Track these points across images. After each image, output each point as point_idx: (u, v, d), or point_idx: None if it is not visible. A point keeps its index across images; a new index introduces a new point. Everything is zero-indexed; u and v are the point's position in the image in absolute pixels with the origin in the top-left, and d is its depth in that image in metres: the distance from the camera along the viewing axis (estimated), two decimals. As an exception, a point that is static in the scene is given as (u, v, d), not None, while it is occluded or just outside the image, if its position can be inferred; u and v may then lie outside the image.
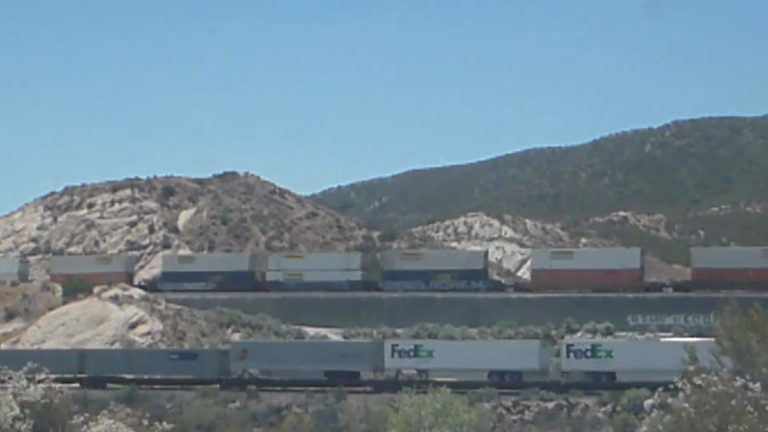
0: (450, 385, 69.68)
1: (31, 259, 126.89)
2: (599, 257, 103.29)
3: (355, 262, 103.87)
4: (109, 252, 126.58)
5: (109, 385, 78.26)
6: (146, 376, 79.24)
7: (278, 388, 76.26)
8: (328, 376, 75.35)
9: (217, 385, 77.06)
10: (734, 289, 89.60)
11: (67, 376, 78.28)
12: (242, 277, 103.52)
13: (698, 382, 23.16)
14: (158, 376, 78.94)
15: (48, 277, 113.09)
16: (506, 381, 73.13)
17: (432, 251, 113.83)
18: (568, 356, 73.46)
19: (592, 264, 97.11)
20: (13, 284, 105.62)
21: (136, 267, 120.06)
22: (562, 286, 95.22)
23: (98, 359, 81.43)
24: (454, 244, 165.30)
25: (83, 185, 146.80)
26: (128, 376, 79.38)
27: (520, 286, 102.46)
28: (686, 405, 23.20)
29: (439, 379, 70.29)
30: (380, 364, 76.08)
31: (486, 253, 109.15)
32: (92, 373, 79.78)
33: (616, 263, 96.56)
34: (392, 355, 75.61)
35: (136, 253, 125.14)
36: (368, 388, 75.03)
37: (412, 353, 75.39)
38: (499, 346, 78.88)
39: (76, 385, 78.12)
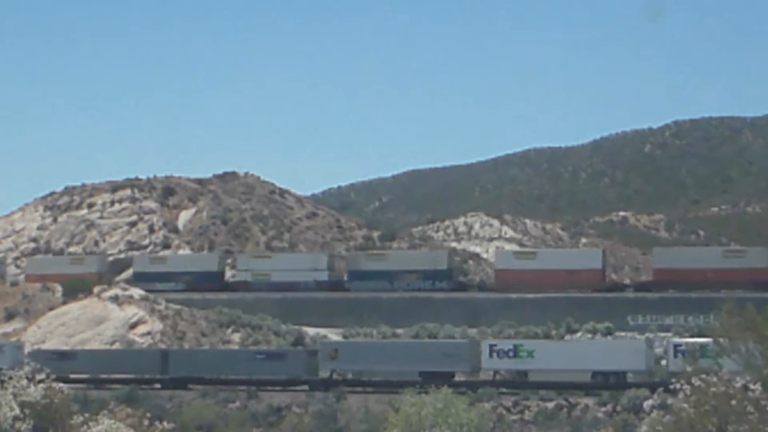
0: (552, 386, 70.01)
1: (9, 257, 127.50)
2: (562, 258, 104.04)
3: (322, 263, 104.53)
4: (109, 252, 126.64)
5: (107, 385, 78.17)
6: (231, 377, 77.24)
7: (370, 389, 74.52)
8: (423, 377, 72.87)
9: (306, 386, 75.09)
10: (694, 290, 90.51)
11: (147, 377, 78.95)
12: (211, 278, 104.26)
13: (697, 382, 23.19)
14: (243, 377, 76.75)
15: (23, 277, 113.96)
16: (610, 382, 71.00)
17: (397, 251, 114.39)
18: None
19: (555, 264, 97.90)
20: (13, 284, 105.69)
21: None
22: (526, 286, 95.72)
23: (181, 360, 79.56)
24: (454, 244, 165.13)
25: (83, 185, 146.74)
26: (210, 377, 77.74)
27: (483, 287, 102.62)
28: (686, 405, 23.22)
29: (539, 380, 70.23)
30: (477, 365, 74.41)
31: (449, 253, 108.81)
32: (175, 373, 77.98)
33: (578, 263, 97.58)
34: (490, 356, 73.72)
35: (136, 253, 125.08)
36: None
37: (511, 353, 73.42)
38: (603, 346, 76.94)
39: (158, 386, 77.72)
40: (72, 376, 78.06)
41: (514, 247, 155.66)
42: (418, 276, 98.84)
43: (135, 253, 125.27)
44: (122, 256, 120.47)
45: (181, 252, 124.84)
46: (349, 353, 76.97)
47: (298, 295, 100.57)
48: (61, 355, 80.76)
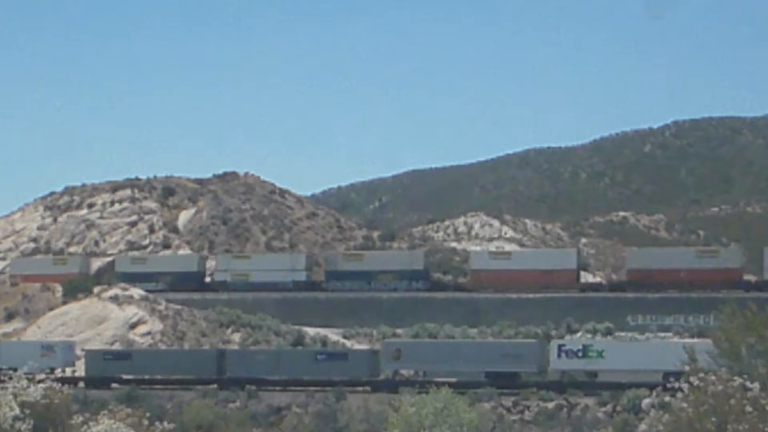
0: (625, 387, 68.76)
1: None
2: (537, 258, 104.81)
3: (300, 263, 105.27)
4: (109, 252, 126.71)
5: (112, 385, 78.04)
6: (290, 378, 75.89)
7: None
8: (488, 378, 72.44)
9: (368, 387, 73.90)
10: (667, 290, 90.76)
11: (203, 377, 77.49)
12: (191, 278, 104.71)
13: (696, 382, 23.20)
14: (303, 378, 75.29)
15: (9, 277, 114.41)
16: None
17: (374, 252, 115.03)
18: None
19: (530, 264, 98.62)
20: (13, 284, 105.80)
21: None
22: (501, 286, 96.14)
23: (238, 360, 78.44)
24: (454, 244, 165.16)
25: (83, 185, 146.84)
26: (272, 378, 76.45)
27: (460, 287, 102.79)
28: (685, 405, 23.23)
29: (609, 381, 69.43)
30: (545, 365, 73.12)
31: (425, 254, 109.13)
32: (233, 374, 76.86)
33: (553, 264, 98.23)
34: (558, 356, 72.41)
35: (136, 253, 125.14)
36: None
37: (580, 353, 72.05)
38: (677, 347, 76.25)
39: (214, 386, 75.90)
40: (125, 376, 78.74)
41: (515, 248, 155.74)
42: (395, 276, 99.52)
43: (135, 253, 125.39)
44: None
45: (181, 252, 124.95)
46: (412, 353, 75.71)
47: (298, 295, 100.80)
48: (116, 355, 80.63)
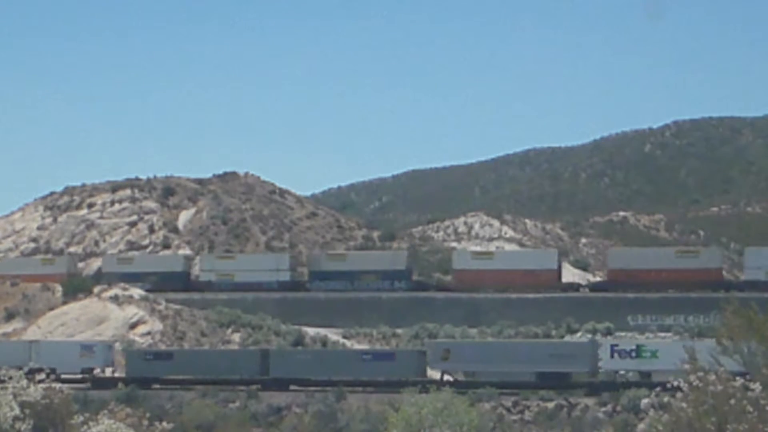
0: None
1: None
2: (519, 258, 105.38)
3: (284, 263, 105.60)
4: (109, 252, 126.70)
5: (109, 385, 77.96)
6: (335, 378, 74.32)
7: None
8: (539, 378, 71.59)
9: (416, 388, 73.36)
10: (648, 290, 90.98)
11: (246, 378, 76.01)
12: (177, 278, 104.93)
13: (696, 381, 23.18)
14: (348, 378, 73.99)
15: None
16: None
17: (357, 252, 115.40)
18: None
19: (513, 264, 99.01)
20: (13, 284, 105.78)
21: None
22: (484, 286, 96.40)
23: (282, 360, 77.16)
24: (454, 244, 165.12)
25: (83, 185, 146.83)
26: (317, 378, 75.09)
27: (442, 286, 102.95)
28: (684, 405, 23.21)
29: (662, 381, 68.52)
30: (596, 366, 72.01)
31: (407, 254, 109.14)
32: (276, 374, 75.60)
33: (534, 264, 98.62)
34: (611, 356, 71.20)
35: (136, 253, 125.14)
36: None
37: (633, 354, 71.00)
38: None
39: (258, 386, 74.46)
40: (167, 377, 77.50)
41: (515, 248, 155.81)
42: (377, 276, 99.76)
43: (135, 252, 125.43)
44: (122, 256, 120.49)
45: (181, 252, 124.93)
46: (461, 353, 74.80)
47: (298, 295, 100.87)
48: (156, 355, 79.75)
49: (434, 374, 75.16)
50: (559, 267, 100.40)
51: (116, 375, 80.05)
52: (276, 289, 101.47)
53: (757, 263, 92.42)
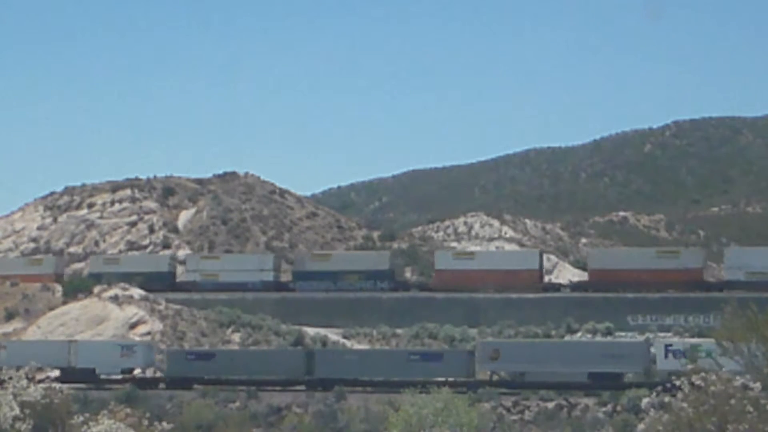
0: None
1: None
2: (500, 258, 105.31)
3: (268, 263, 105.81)
4: (110, 252, 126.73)
5: (108, 386, 77.87)
6: (382, 378, 73.12)
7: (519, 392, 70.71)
8: (591, 379, 70.52)
9: (465, 389, 70.12)
10: (628, 291, 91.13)
11: (290, 378, 74.42)
12: (162, 278, 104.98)
13: (697, 381, 23.18)
14: (395, 378, 72.14)
15: None
16: None
17: (341, 252, 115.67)
18: None
19: (493, 265, 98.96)
20: (13, 284, 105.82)
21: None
22: (465, 286, 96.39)
23: (327, 360, 75.87)
24: (454, 244, 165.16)
25: (83, 185, 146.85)
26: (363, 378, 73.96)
27: (424, 286, 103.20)
28: (685, 405, 23.20)
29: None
30: (650, 366, 70.80)
31: (390, 255, 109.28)
32: (321, 374, 74.34)
33: (515, 264, 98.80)
34: (665, 356, 69.82)
35: (136, 253, 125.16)
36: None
37: (688, 354, 68.12)
38: None
39: (302, 387, 73.33)
40: (208, 377, 76.19)
41: (515, 248, 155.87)
42: (361, 276, 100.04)
43: (135, 252, 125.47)
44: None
45: (182, 251, 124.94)
46: (511, 353, 73.46)
47: (297, 295, 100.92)
48: (198, 356, 78.65)
49: (482, 375, 73.89)
50: (541, 267, 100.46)
51: (157, 375, 78.90)
52: (260, 289, 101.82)
53: (736, 263, 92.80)
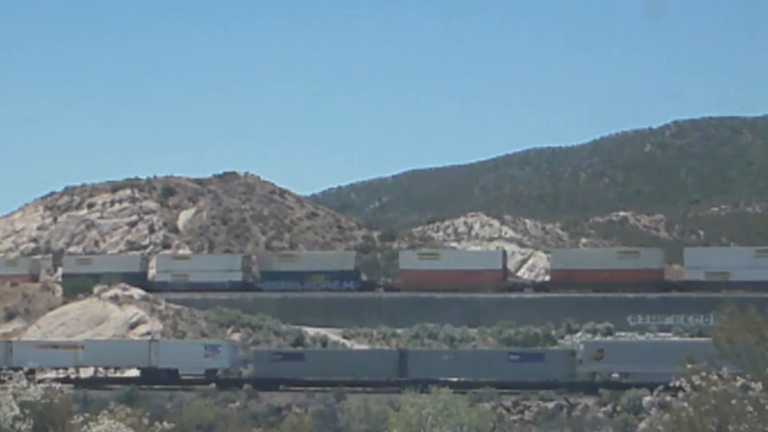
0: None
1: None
2: (464, 258, 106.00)
3: (236, 263, 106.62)
4: (109, 252, 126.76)
5: (109, 386, 77.74)
6: (480, 379, 70.99)
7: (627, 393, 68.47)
8: None
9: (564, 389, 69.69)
10: (589, 290, 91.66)
11: (382, 379, 72.92)
12: (134, 278, 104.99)
13: (698, 381, 23.14)
14: (493, 379, 70.74)
15: None
16: None
17: (308, 252, 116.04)
18: None
19: (458, 265, 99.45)
20: (13, 284, 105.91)
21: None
22: (430, 285, 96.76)
23: (422, 360, 74.13)
24: (454, 244, 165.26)
25: (83, 185, 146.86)
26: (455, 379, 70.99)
27: (390, 287, 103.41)
28: (685, 404, 23.17)
29: None
30: None
31: (355, 255, 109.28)
32: (415, 375, 72.04)
33: (479, 264, 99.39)
34: None
35: (136, 253, 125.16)
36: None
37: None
38: None
39: (395, 388, 70.80)
40: (296, 378, 73.95)
41: (515, 248, 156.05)
42: (327, 276, 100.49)
43: (135, 252, 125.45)
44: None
45: (181, 251, 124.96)
46: (616, 353, 71.94)
47: (297, 295, 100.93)
48: (286, 356, 77.31)
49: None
50: (504, 267, 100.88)
51: (242, 376, 77.35)
52: (228, 289, 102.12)
53: (696, 263, 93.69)
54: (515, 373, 70.77)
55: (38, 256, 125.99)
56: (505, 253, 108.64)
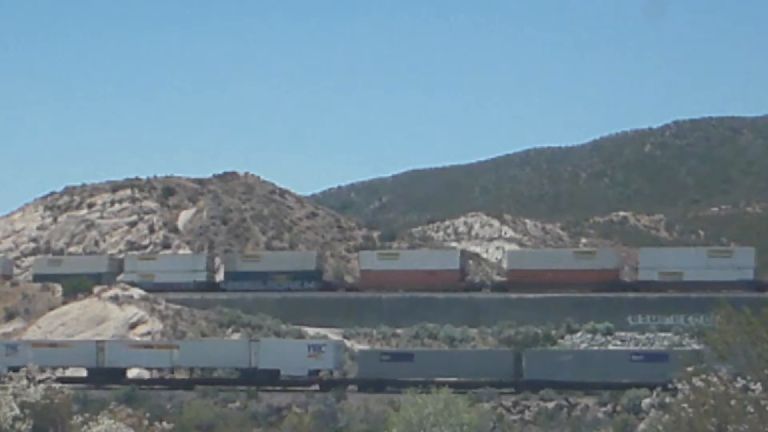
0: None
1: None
2: (422, 258, 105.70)
3: (201, 264, 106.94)
4: (109, 252, 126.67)
5: (111, 385, 77.68)
6: (600, 380, 69.09)
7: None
8: None
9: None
10: (546, 290, 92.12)
11: (495, 380, 70.95)
12: (103, 279, 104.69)
13: (698, 382, 23.17)
14: (613, 380, 68.58)
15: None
16: None
17: (270, 253, 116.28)
18: None
19: (416, 265, 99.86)
20: (14, 284, 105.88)
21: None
22: (389, 285, 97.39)
23: (538, 360, 72.39)
24: (454, 244, 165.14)
25: (83, 185, 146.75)
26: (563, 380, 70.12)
27: (350, 287, 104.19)
28: (685, 405, 23.18)
29: None
30: None
31: (318, 256, 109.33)
32: (530, 376, 70.80)
33: (437, 264, 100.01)
34: None
35: (136, 253, 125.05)
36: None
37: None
38: None
39: (511, 390, 70.01)
40: (405, 379, 70.30)
41: (515, 247, 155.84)
42: (289, 276, 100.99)
43: (135, 252, 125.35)
44: (122, 256, 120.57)
45: (182, 251, 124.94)
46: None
47: (297, 295, 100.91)
48: (394, 356, 74.98)
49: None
50: (462, 267, 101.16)
51: (348, 377, 75.89)
52: (192, 289, 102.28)
53: (650, 264, 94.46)
54: (639, 375, 68.49)
55: (39, 256, 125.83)
56: (462, 253, 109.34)
